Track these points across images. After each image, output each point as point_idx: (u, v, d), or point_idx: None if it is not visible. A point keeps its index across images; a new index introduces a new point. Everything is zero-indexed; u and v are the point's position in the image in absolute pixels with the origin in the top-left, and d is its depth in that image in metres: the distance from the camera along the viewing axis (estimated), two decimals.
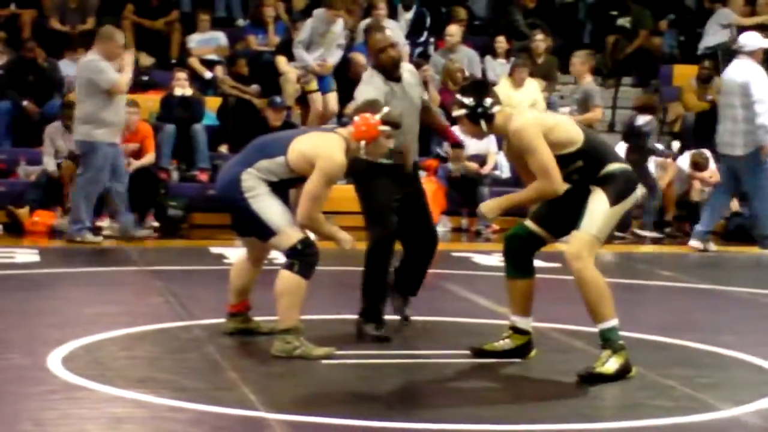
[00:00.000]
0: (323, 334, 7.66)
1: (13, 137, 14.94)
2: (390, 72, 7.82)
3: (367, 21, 16.07)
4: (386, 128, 7.07)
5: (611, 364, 6.60)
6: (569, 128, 6.84)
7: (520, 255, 7.01)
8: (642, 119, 14.62)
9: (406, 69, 8.03)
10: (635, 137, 14.61)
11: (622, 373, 6.60)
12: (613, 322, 6.73)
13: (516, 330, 7.17)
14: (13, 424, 5.49)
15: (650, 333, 8.13)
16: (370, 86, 7.78)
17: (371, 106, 7.26)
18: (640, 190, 6.87)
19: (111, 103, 12.30)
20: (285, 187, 7.23)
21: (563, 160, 6.73)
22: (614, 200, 6.73)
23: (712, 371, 7.02)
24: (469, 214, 14.76)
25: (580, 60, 14.45)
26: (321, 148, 6.99)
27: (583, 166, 6.75)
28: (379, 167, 7.61)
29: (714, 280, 11.01)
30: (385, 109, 7.17)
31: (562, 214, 6.85)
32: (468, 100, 6.77)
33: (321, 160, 6.95)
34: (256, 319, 7.68)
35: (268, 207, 7.02)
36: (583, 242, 6.72)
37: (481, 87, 7.01)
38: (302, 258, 7.00)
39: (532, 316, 7.18)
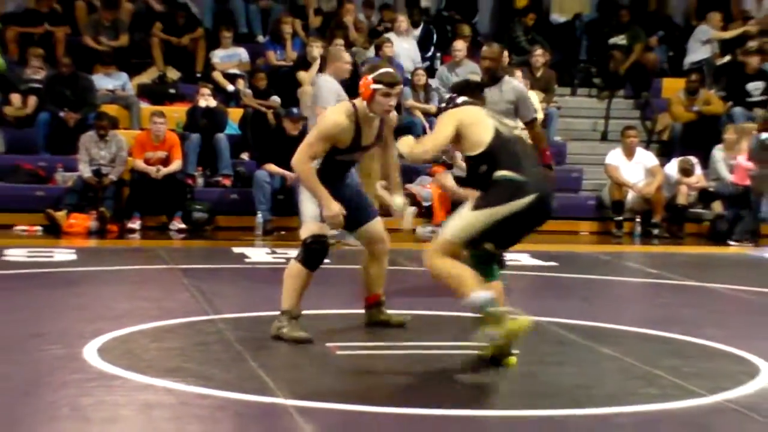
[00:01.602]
0: (338, 326, 7.70)
1: (51, 146, 14.97)
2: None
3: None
4: (379, 86, 7.11)
5: (490, 335, 6.43)
6: (482, 132, 6.62)
7: (482, 266, 6.76)
8: (765, 135, 14.77)
9: None
10: (764, 152, 14.70)
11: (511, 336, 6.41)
12: (479, 295, 6.40)
13: None
14: (52, 410, 5.54)
15: (639, 326, 8.16)
16: None
17: (370, 68, 7.32)
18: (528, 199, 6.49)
19: None
20: (336, 169, 7.30)
21: (474, 162, 6.67)
22: (478, 205, 6.51)
23: (696, 361, 7.03)
24: None
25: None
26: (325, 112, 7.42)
27: (486, 171, 6.60)
28: None
29: (698, 278, 11.01)
30: (381, 70, 7.24)
31: None
32: (447, 96, 6.90)
33: (320, 117, 7.30)
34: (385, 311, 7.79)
35: (303, 201, 7.27)
36: (436, 245, 6.65)
37: (463, 86, 7.13)
38: (307, 249, 7.17)
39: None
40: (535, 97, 15.64)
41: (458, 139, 6.68)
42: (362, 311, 7.84)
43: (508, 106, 9.52)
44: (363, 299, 7.82)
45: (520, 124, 9.46)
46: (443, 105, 7.00)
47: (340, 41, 15.99)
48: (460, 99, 6.91)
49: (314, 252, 7.24)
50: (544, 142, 10.04)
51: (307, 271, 7.26)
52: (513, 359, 6.64)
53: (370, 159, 11.58)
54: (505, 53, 11.28)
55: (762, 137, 14.70)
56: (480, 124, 6.70)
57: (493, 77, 9.67)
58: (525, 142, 6.87)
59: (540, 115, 15.05)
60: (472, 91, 7.12)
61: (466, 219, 6.54)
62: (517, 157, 6.64)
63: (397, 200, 7.56)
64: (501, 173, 6.54)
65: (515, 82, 10.05)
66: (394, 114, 7.62)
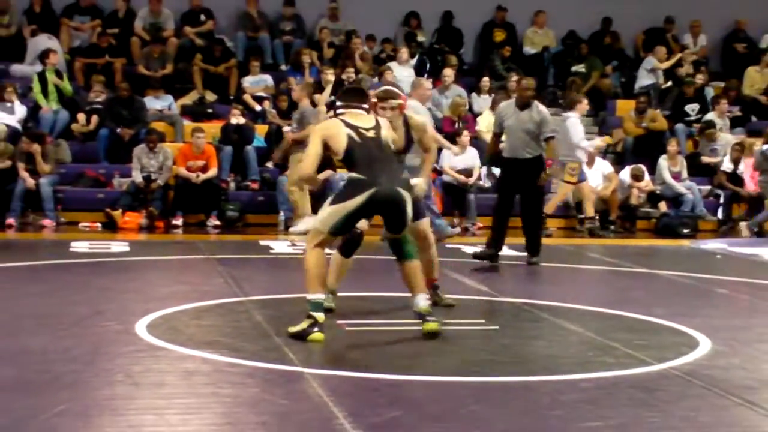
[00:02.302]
0: (347, 306, 7.66)
1: (110, 156, 14.96)
2: None
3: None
4: (374, 99, 7.19)
5: (300, 326, 6.48)
6: (340, 140, 6.61)
7: (394, 249, 6.88)
8: (766, 147, 14.96)
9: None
10: (766, 162, 14.87)
11: (304, 335, 6.41)
12: (313, 296, 6.51)
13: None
14: (109, 376, 5.52)
15: (598, 306, 8.12)
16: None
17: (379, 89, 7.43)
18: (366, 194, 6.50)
19: None
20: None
21: (343, 165, 6.80)
22: (332, 201, 6.65)
23: (645, 335, 6.99)
24: (459, 215, 14.74)
25: (299, 88, 14.20)
26: None
27: (348, 171, 6.69)
28: None
29: (647, 266, 10.98)
30: (381, 89, 7.25)
31: None
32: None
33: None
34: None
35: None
36: (310, 234, 6.70)
37: (343, 92, 7.07)
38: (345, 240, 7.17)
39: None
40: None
41: (328, 148, 6.71)
42: (369, 294, 7.83)
43: (535, 125, 10.47)
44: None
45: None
46: (331, 111, 6.94)
47: (350, 69, 15.97)
48: (339, 102, 6.92)
49: (351, 241, 7.23)
50: (557, 155, 10.97)
51: (337, 257, 7.34)
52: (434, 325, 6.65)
53: (297, 164, 11.83)
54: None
55: (764, 149, 14.85)
56: (338, 134, 6.66)
57: (525, 103, 10.56)
58: (382, 146, 6.68)
59: None
60: (350, 96, 6.98)
61: (326, 212, 6.63)
62: (367, 160, 6.59)
63: (414, 180, 7.40)
64: (350, 174, 6.61)
65: (541, 107, 10.70)
66: (424, 123, 7.61)
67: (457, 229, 13.49)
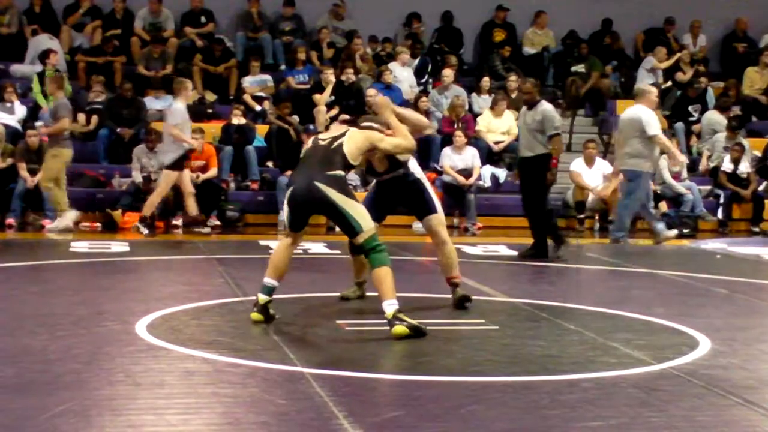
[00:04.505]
0: (347, 307, 7.66)
1: (110, 156, 14.96)
2: None
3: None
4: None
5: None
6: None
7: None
8: None
9: None
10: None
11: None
12: (264, 281, 7.04)
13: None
14: (110, 376, 5.52)
15: (598, 306, 8.12)
16: None
17: None
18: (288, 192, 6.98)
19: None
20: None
21: None
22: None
23: (645, 335, 6.99)
24: (459, 215, 14.75)
25: (50, 81, 13.84)
26: None
27: None
28: None
29: (647, 266, 10.98)
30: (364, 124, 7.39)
31: None
32: None
33: None
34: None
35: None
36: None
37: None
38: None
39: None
40: (511, 116, 15.72)
41: None
42: (369, 294, 7.85)
43: (536, 124, 10.80)
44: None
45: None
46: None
47: (349, 70, 15.98)
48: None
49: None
50: (558, 152, 10.94)
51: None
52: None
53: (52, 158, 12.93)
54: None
55: None
56: (306, 144, 7.24)
57: (531, 103, 10.95)
58: (321, 150, 6.91)
59: (515, 130, 15.18)
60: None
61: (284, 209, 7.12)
62: (300, 162, 7.07)
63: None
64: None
65: (544, 106, 11.00)
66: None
67: (674, 231, 13.43)
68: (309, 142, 7.14)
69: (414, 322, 6.65)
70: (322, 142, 7.00)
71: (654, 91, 12.04)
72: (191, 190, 13.13)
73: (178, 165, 12.82)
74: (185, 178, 13.01)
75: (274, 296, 7.10)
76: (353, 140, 6.96)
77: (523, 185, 11.11)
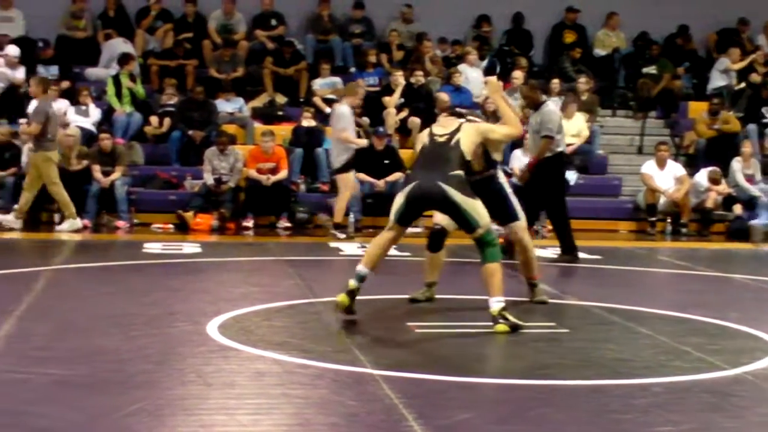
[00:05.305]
0: (418, 309, 7.65)
1: (182, 158, 15.10)
2: None
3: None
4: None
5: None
6: (418, 146, 7.40)
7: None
8: None
9: None
10: None
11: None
12: (357, 269, 7.14)
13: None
14: (181, 376, 5.57)
15: (670, 310, 8.03)
16: None
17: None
18: (408, 188, 7.17)
19: None
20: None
21: None
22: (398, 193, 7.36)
23: (718, 340, 6.90)
24: None
25: (34, 83, 13.54)
26: None
27: None
28: None
29: (720, 269, 10.84)
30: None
31: None
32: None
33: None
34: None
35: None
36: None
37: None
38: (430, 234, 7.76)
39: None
40: (581, 118, 15.60)
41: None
42: (440, 296, 7.97)
43: (539, 126, 10.73)
44: None
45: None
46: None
47: (419, 72, 15.98)
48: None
49: (432, 236, 7.74)
50: (542, 154, 10.75)
51: (426, 252, 7.92)
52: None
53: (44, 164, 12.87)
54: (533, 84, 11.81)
55: None
56: (420, 140, 7.38)
57: (535, 105, 10.92)
58: (439, 148, 7.14)
59: (585, 132, 15.04)
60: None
61: (394, 203, 7.22)
62: (421, 159, 7.24)
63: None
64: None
65: (547, 108, 10.97)
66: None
67: None
68: (425, 138, 7.28)
69: (517, 321, 6.84)
70: (439, 139, 7.21)
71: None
72: (356, 194, 13.39)
73: (348, 167, 13.00)
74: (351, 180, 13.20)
75: (336, 298, 7.13)
76: (468, 135, 7.23)
77: (536, 190, 10.72)
